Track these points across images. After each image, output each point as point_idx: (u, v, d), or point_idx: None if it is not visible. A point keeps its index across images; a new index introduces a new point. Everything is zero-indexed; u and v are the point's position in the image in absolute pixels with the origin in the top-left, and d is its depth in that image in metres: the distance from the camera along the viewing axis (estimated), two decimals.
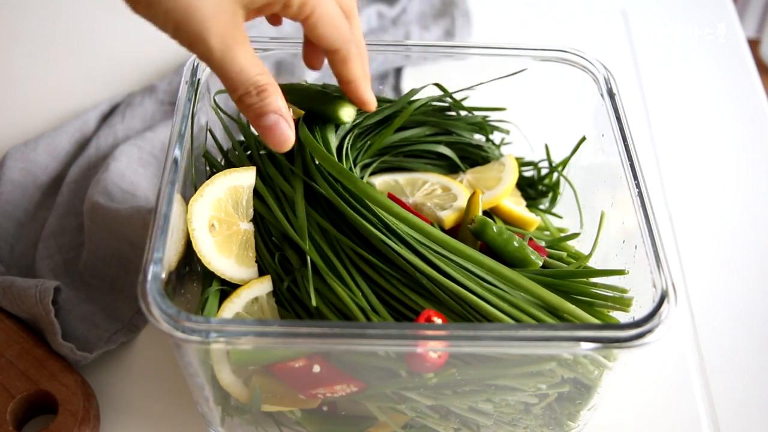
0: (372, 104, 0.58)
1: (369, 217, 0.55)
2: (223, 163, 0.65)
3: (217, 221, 0.55)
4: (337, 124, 0.61)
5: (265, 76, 0.50)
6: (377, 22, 0.96)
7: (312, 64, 0.58)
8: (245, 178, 0.56)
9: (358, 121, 0.64)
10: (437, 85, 0.67)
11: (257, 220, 0.58)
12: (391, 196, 0.61)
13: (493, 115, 0.70)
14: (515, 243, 0.57)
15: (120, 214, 0.69)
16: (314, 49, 0.58)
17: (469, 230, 0.58)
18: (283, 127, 0.52)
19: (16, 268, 0.70)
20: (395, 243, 0.54)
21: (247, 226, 0.56)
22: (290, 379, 0.52)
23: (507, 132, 0.71)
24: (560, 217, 0.71)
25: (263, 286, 0.56)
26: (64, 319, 0.65)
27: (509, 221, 0.66)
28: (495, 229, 0.57)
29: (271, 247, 0.57)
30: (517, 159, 0.70)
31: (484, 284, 0.53)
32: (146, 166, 0.77)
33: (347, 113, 0.59)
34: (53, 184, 0.77)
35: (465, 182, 0.67)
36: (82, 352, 0.63)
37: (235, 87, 0.50)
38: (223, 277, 0.54)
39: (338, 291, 0.53)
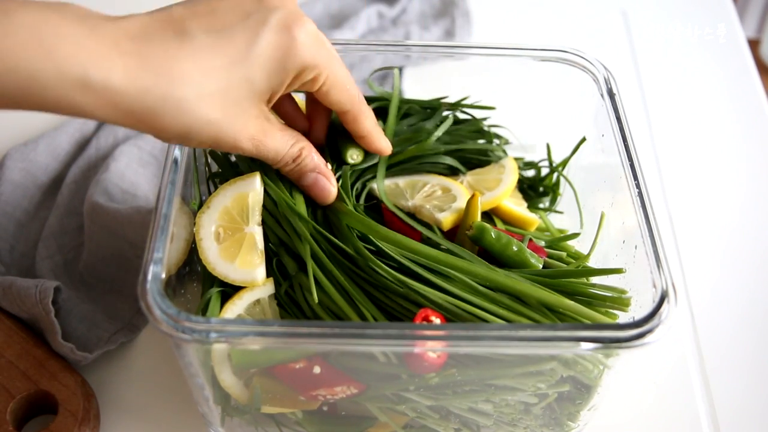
0: (387, 149, 0.61)
1: (357, 244, 0.55)
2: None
3: (222, 229, 0.56)
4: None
5: (297, 144, 0.54)
6: (377, 22, 0.96)
7: (315, 122, 0.60)
8: (250, 184, 0.57)
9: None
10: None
11: None
12: (384, 209, 0.62)
13: (492, 118, 0.70)
14: (514, 247, 0.56)
15: (120, 214, 0.69)
16: (318, 107, 0.59)
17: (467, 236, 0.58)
18: (322, 183, 0.56)
19: (16, 268, 0.70)
20: (389, 266, 0.54)
21: (253, 229, 0.56)
22: (291, 381, 0.52)
23: (506, 141, 0.71)
24: (561, 212, 0.71)
25: (265, 289, 0.56)
26: (64, 319, 0.65)
27: (509, 221, 0.66)
28: (493, 235, 0.56)
29: (269, 252, 0.57)
30: (517, 159, 0.70)
31: (480, 291, 0.53)
32: (146, 166, 0.77)
33: (353, 155, 0.61)
34: (53, 184, 0.77)
35: (465, 184, 0.67)
36: (82, 352, 0.63)
37: (275, 163, 0.55)
38: (226, 281, 0.55)
39: (335, 296, 0.53)
